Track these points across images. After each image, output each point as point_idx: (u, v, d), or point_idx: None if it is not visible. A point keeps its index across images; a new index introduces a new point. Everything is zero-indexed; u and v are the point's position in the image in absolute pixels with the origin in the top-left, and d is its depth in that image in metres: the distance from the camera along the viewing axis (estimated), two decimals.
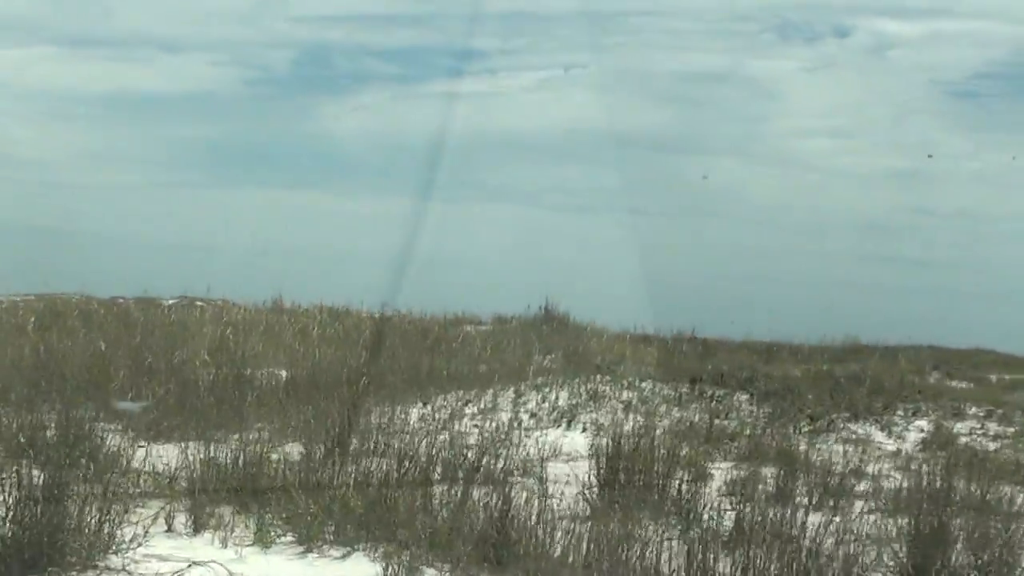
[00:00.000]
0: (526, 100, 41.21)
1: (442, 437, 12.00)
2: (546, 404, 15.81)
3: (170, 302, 21.52)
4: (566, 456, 12.69)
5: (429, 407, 14.37)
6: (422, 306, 21.03)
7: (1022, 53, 44.28)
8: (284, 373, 15.14)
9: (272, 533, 8.71)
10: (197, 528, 8.78)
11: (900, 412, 16.65)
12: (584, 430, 14.35)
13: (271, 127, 43.39)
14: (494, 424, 14.06)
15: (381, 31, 43.97)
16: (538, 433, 13.76)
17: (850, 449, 14.10)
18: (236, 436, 10.94)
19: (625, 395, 16.97)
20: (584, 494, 10.34)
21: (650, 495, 10.25)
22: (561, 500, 9.98)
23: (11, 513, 7.59)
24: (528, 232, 34.59)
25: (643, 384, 17.88)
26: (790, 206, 38.78)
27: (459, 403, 14.94)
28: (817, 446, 13.91)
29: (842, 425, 15.78)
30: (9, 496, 7.70)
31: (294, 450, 11.04)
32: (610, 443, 11.02)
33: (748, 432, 14.48)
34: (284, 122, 44.31)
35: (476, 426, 13.83)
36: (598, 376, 17.44)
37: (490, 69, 40.48)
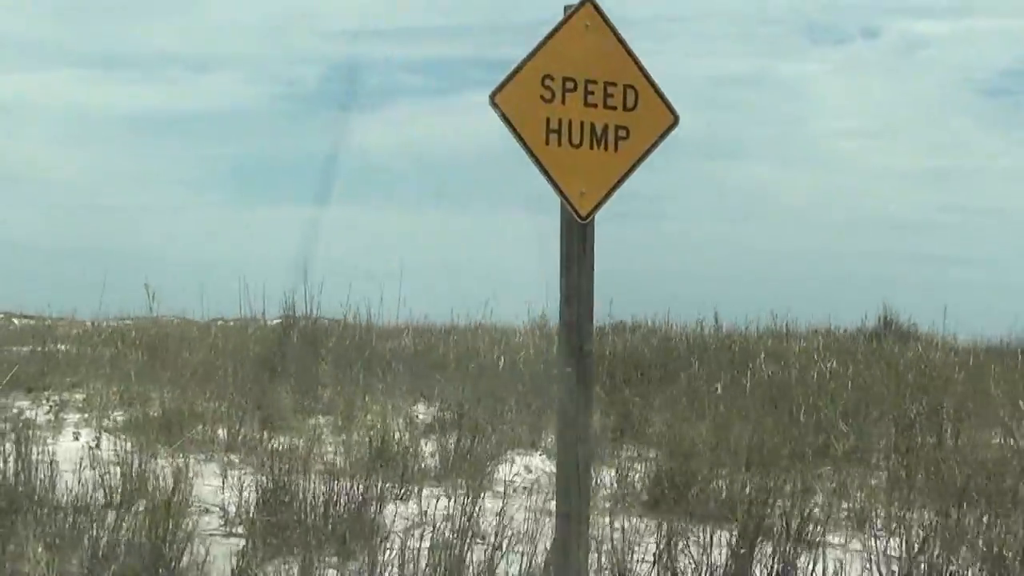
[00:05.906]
0: None
1: None
2: None
3: (275, 321, 18.85)
4: None
5: None
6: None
7: None
8: None
9: None
10: None
11: None
12: None
13: (301, 143, 40.86)
14: None
15: (410, 44, 41.88)
16: None
17: None
18: None
19: None
20: None
21: None
22: None
23: None
24: None
25: None
26: (824, 207, 36.72)
27: None
28: None
29: None
30: None
31: None
32: None
33: None
34: (314, 138, 41.92)
35: None
36: None
37: None
